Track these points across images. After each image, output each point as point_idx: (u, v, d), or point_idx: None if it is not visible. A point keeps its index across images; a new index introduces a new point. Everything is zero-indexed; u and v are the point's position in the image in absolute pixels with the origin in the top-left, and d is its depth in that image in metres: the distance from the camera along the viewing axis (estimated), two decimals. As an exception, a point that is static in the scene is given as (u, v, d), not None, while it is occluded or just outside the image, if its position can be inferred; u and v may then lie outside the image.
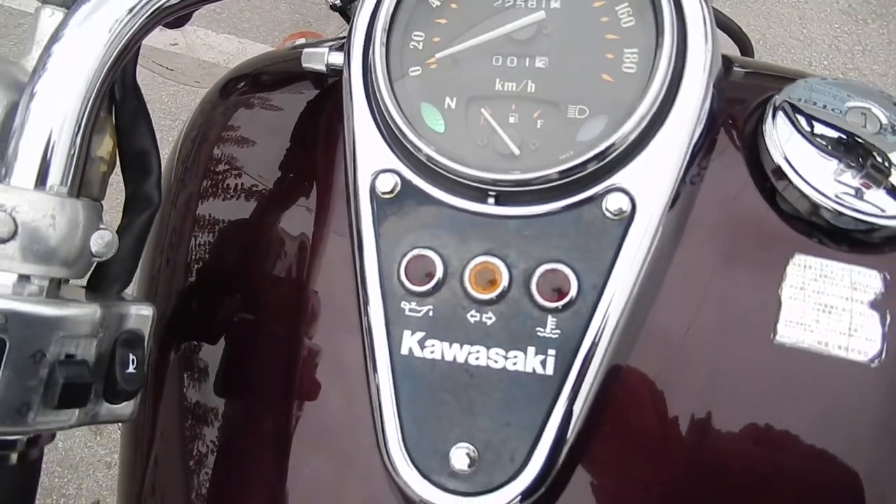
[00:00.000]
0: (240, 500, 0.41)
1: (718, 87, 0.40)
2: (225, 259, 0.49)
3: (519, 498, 0.33)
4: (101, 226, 0.34)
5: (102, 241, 0.33)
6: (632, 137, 0.34)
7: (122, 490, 0.50)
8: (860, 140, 0.40)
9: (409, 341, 0.35)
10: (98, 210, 0.35)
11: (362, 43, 0.39)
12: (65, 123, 0.33)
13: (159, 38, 2.27)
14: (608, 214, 0.34)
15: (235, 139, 0.53)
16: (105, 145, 0.38)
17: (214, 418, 0.44)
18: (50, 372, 0.31)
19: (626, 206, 0.34)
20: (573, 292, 0.34)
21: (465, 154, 0.36)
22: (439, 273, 0.35)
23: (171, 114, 2.13)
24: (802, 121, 0.41)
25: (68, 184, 0.33)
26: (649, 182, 0.34)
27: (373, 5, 0.40)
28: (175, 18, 0.49)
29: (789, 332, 0.37)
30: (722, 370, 0.37)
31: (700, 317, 0.38)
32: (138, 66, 0.41)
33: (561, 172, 0.34)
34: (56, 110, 0.33)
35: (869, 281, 0.38)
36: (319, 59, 0.43)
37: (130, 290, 0.40)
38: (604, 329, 0.34)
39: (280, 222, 0.47)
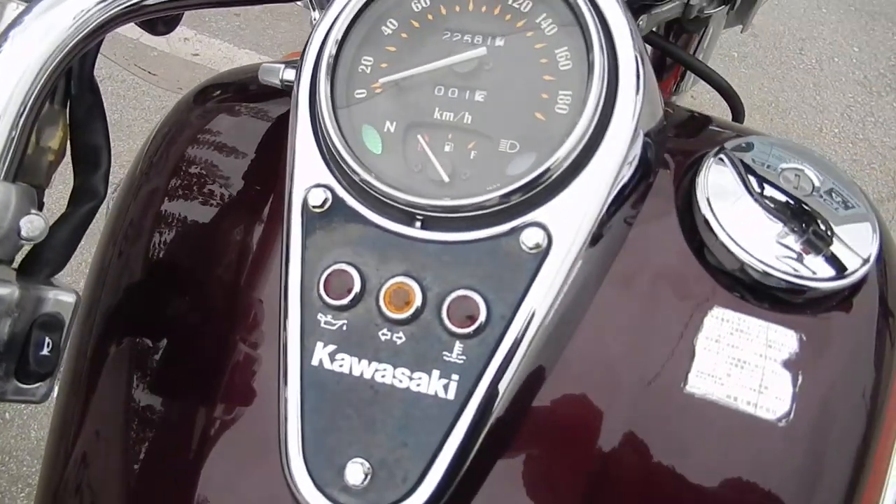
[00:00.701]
0: (147, 497, 0.42)
1: (655, 136, 0.41)
2: (173, 258, 0.50)
3: None
4: (33, 211, 0.35)
5: (32, 226, 0.35)
6: (555, 175, 0.35)
7: (42, 477, 0.51)
8: (807, 206, 0.40)
9: (321, 353, 0.36)
10: (32, 195, 0.36)
11: (313, 61, 0.41)
12: (7, 108, 0.34)
13: (181, 48, 2.33)
14: (524, 248, 0.35)
15: (203, 142, 0.55)
16: (56, 137, 0.39)
17: (142, 414, 0.45)
18: None
19: (543, 241, 0.35)
20: (482, 320, 0.34)
21: (397, 177, 0.37)
22: (356, 289, 0.36)
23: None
24: (747, 178, 0.41)
25: (3, 168, 0.34)
26: (568, 220, 0.35)
27: (327, 27, 0.41)
28: (162, 24, 0.51)
29: (700, 382, 0.37)
30: (629, 413, 0.37)
31: (613, 358, 0.38)
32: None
33: (485, 202, 0.35)
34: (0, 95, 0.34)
35: (785, 340, 0.39)
36: (275, 74, 0.45)
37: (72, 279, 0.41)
38: (510, 360, 0.34)
39: (229, 229, 0.48)
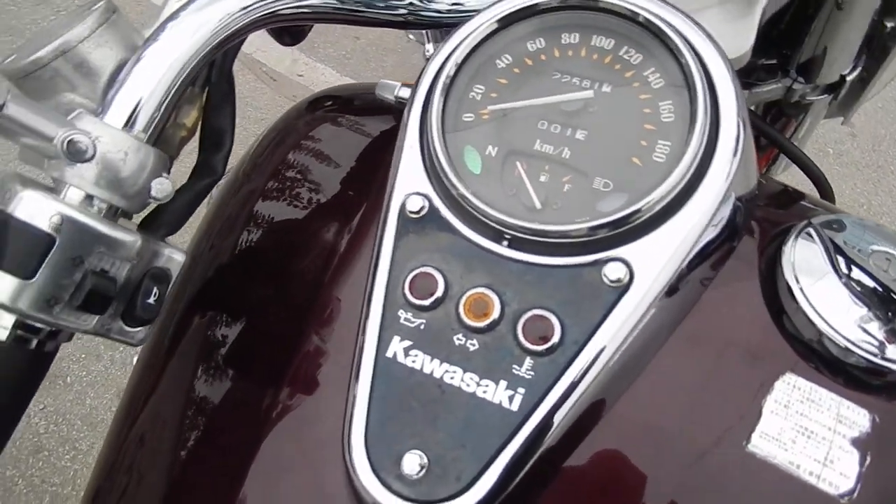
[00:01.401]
0: (204, 470, 0.44)
1: (746, 202, 0.42)
2: (261, 254, 0.54)
3: None
4: (164, 175, 0.39)
5: (161, 187, 0.39)
6: (644, 217, 0.37)
7: (109, 434, 0.54)
8: (894, 295, 0.40)
9: (396, 346, 0.38)
10: (165, 161, 0.40)
11: (429, 83, 0.44)
12: (158, 86, 0.39)
13: (289, 67, 2.46)
14: (606, 280, 0.36)
15: (306, 149, 0.59)
16: (191, 116, 0.44)
17: (211, 388, 0.48)
18: (83, 277, 0.36)
19: (625, 277, 0.36)
20: (555, 341, 0.36)
21: (492, 197, 0.39)
22: (439, 293, 0.38)
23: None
24: (835, 256, 0.42)
25: (147, 133, 0.38)
26: (651, 261, 0.37)
27: (446, 55, 0.44)
28: (289, 35, 0.56)
29: (763, 444, 0.37)
30: (684, 461, 0.37)
31: (677, 404, 0.39)
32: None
33: (573, 231, 0.37)
34: (154, 75, 0.39)
35: (857, 418, 0.38)
36: (390, 90, 0.48)
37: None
38: (577, 384, 0.35)
39: (319, 230, 0.52)
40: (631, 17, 0.41)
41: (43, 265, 0.35)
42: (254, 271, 0.53)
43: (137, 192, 0.38)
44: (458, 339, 0.37)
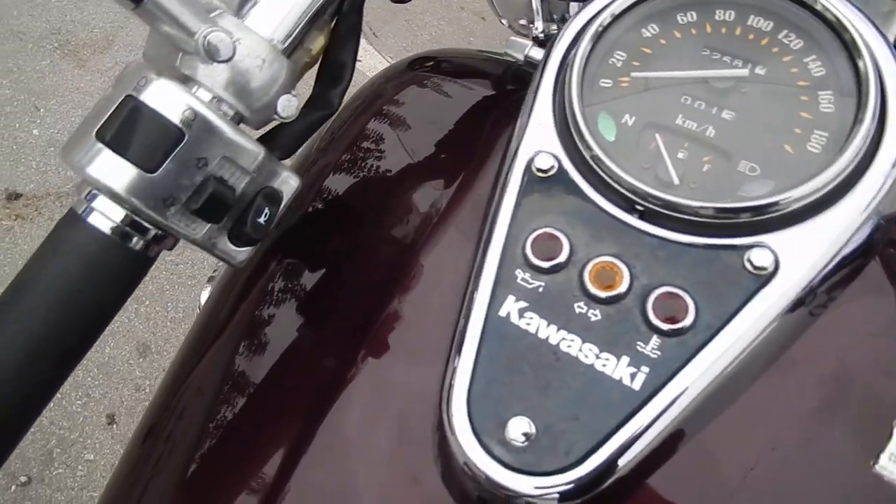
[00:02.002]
0: (274, 425, 0.42)
1: (888, 219, 0.39)
2: (357, 201, 0.52)
3: (557, 495, 0.32)
4: (292, 93, 0.37)
5: (287, 104, 0.37)
6: (791, 207, 0.34)
7: (168, 376, 0.52)
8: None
9: (510, 306, 0.35)
10: (294, 80, 0.38)
11: (569, 42, 0.42)
12: (297, 6, 0.37)
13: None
14: (749, 266, 0.34)
15: (400, 107, 0.58)
16: (318, 43, 0.42)
17: (286, 338, 0.45)
18: (203, 181, 0.34)
19: (770, 266, 0.34)
20: (687, 322, 0.33)
21: (626, 166, 0.37)
22: (562, 257, 0.36)
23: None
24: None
25: (284, 46, 0.36)
26: (800, 253, 0.34)
27: (587, 18, 0.42)
28: None
29: (892, 466, 0.35)
30: (804, 476, 0.35)
31: (804, 409, 0.36)
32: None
33: (717, 210, 0.34)
34: None
35: None
36: (520, 48, 0.46)
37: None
38: (707, 369, 0.33)
39: (418, 188, 0.50)
40: (807, 4, 0.38)
41: (168, 160, 0.33)
42: (343, 225, 0.51)
43: (264, 105, 0.36)
44: (578, 306, 0.35)
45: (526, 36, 0.79)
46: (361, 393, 0.41)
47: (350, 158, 0.54)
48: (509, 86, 0.59)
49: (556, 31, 0.53)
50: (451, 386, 0.35)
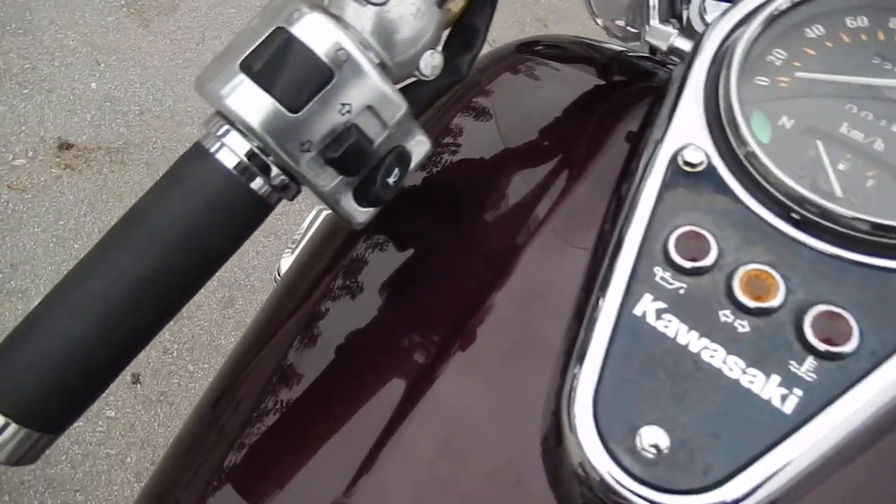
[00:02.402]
0: (360, 413, 0.39)
1: None
2: (458, 183, 0.49)
3: None
4: (437, 50, 0.35)
5: (431, 61, 0.34)
6: None
7: (247, 337, 0.50)
8: None
9: (647, 305, 0.33)
10: (440, 36, 0.36)
11: (723, 36, 0.39)
12: None
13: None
14: (922, 294, 0.31)
15: (506, 90, 0.55)
16: (455, 4, 0.39)
17: (372, 319, 0.43)
18: (345, 129, 0.31)
19: None
20: (849, 347, 0.30)
21: (784, 169, 0.34)
22: (709, 260, 0.33)
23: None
24: None
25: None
26: None
27: (746, 11, 0.39)
28: None
29: None
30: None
31: None
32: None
33: (891, 229, 0.31)
34: None
35: None
36: (664, 37, 0.44)
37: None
38: (868, 400, 0.29)
39: (524, 172, 0.47)
40: None
41: (313, 101, 0.30)
42: (442, 207, 0.48)
43: (408, 59, 0.34)
44: (724, 314, 0.32)
45: (620, 38, 0.76)
46: (454, 385, 0.38)
47: (453, 139, 0.52)
48: (618, 75, 0.57)
49: (676, 30, 0.50)
50: (574, 382, 0.32)
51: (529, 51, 0.59)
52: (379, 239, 0.47)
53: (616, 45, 0.65)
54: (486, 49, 0.47)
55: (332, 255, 0.48)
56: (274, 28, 0.30)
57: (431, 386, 0.38)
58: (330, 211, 0.55)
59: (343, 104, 0.31)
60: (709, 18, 0.71)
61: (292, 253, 0.66)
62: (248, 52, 0.30)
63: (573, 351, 0.33)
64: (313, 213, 0.73)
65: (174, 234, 0.31)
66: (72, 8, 2.15)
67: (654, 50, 0.63)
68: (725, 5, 0.66)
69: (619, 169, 0.44)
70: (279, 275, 0.73)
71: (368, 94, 0.32)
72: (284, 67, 0.30)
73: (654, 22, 0.71)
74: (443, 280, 0.43)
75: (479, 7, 0.41)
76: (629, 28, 0.87)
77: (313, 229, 0.62)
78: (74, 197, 1.79)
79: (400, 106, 0.33)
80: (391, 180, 0.34)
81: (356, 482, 0.36)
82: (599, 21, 0.94)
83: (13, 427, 0.30)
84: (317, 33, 0.31)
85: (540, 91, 0.54)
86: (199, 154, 0.32)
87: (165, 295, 0.31)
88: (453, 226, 0.46)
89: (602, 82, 0.55)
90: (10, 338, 0.31)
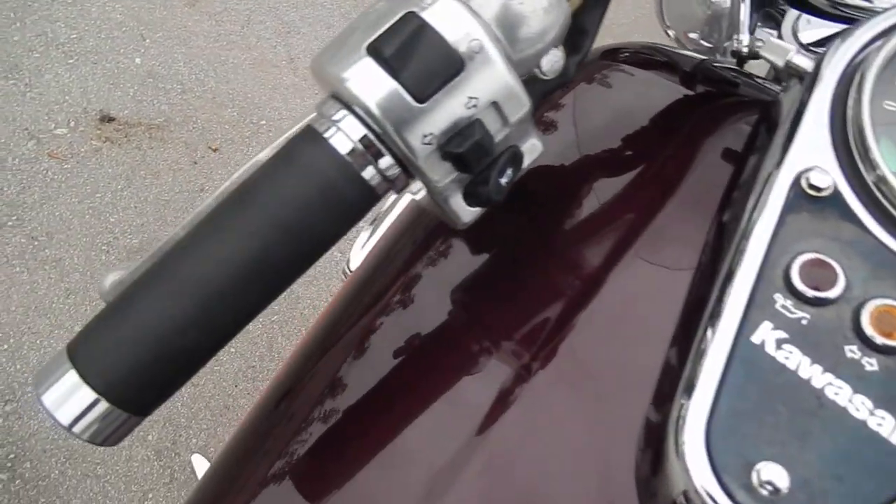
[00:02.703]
0: (433, 423, 0.38)
1: None
2: (543, 190, 0.48)
3: None
4: (560, 48, 0.33)
5: (553, 59, 0.33)
6: None
7: (317, 333, 0.48)
8: None
9: (766, 334, 0.31)
10: (564, 33, 0.34)
11: (850, 55, 0.37)
12: None
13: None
14: None
15: (594, 97, 0.54)
16: (575, 1, 0.38)
17: (451, 324, 0.41)
18: (470, 123, 0.30)
19: None
20: None
21: None
22: (836, 291, 0.31)
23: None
24: None
25: None
26: None
27: (876, 31, 0.38)
28: None
29: None
30: None
31: None
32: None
33: None
34: None
35: None
36: (781, 53, 0.42)
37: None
38: None
39: (614, 183, 0.46)
40: None
41: (440, 91, 0.29)
42: (526, 214, 0.47)
43: (532, 55, 0.32)
44: (850, 350, 0.30)
45: (692, 51, 0.74)
46: (537, 406, 0.37)
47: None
48: (706, 85, 0.55)
49: (759, 46, 0.49)
50: (682, 410, 0.30)
51: (615, 57, 0.57)
52: (462, 241, 0.45)
53: (699, 55, 0.64)
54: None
55: (414, 252, 0.47)
56: (404, 12, 0.29)
57: (513, 405, 0.37)
58: (409, 202, 0.53)
59: (470, 97, 0.30)
60: (802, 37, 0.69)
61: (362, 247, 0.65)
62: (375, 35, 0.29)
63: (677, 377, 0.32)
64: (388, 202, 0.70)
65: (282, 218, 0.29)
66: (121, -18, 2.17)
67: (740, 61, 0.61)
68: (820, 24, 0.64)
69: (716, 187, 0.43)
70: (349, 268, 0.72)
71: (496, 89, 0.30)
72: (415, 54, 0.28)
73: (770, 37, 0.69)
74: (529, 295, 0.42)
75: (590, 10, 0.39)
76: (703, 42, 0.85)
77: (388, 221, 0.60)
78: (112, 171, 1.80)
79: (524, 104, 0.32)
80: (504, 181, 0.32)
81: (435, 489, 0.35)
82: (671, 32, 0.92)
83: (104, 405, 0.29)
84: (450, 20, 0.29)
85: (627, 99, 0.53)
86: (310, 137, 0.30)
87: (268, 280, 0.30)
88: (539, 237, 0.45)
89: (691, 93, 0.54)
90: (110, 311, 0.30)
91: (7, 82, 1.86)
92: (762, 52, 0.43)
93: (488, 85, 0.30)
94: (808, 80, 0.38)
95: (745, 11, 0.66)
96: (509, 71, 0.30)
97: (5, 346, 1.51)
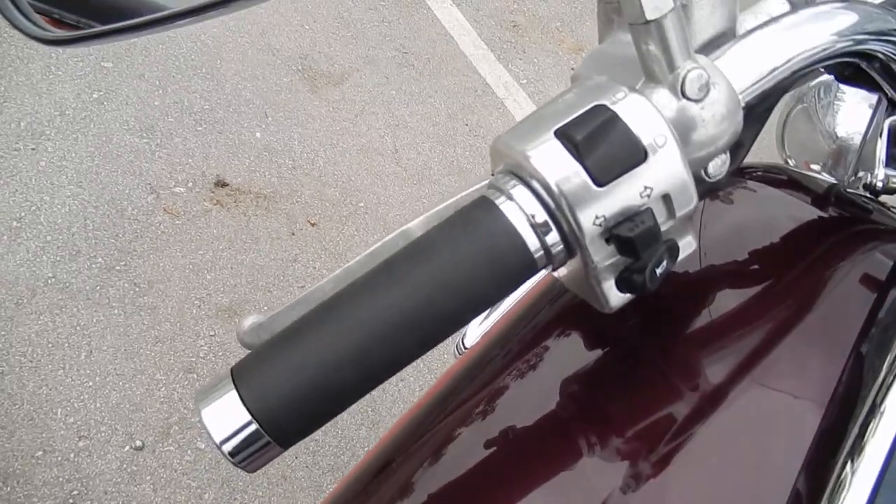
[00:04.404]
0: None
1: None
2: (670, 296, 0.48)
3: None
4: (727, 154, 0.34)
5: (721, 165, 0.34)
6: None
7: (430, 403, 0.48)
8: None
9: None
10: (734, 143, 0.35)
11: None
12: (775, 64, 0.35)
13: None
14: None
15: (723, 210, 0.54)
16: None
17: (564, 412, 0.41)
18: (641, 211, 0.31)
19: None
20: None
21: None
22: None
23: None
24: None
25: (745, 102, 0.34)
26: None
27: None
28: None
29: None
30: None
31: None
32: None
33: None
34: (779, 53, 0.35)
35: None
36: None
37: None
38: None
39: (736, 293, 0.46)
40: None
41: (620, 178, 0.30)
42: (644, 314, 0.47)
43: (703, 157, 0.33)
44: None
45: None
46: None
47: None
48: (839, 210, 0.54)
49: None
50: None
51: (744, 174, 0.58)
52: (583, 333, 0.45)
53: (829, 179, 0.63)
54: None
55: (533, 338, 0.47)
56: (595, 104, 0.31)
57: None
58: (532, 286, 0.54)
59: (646, 187, 0.31)
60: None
61: (479, 324, 0.66)
62: (565, 122, 0.31)
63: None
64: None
65: (449, 276, 0.31)
66: (255, 64, 2.37)
67: (875, 192, 0.60)
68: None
69: (854, 317, 0.41)
70: (464, 345, 0.73)
71: (671, 183, 0.31)
72: (603, 142, 0.30)
73: (879, 171, 0.68)
74: (642, 399, 0.41)
75: (750, 123, 0.40)
76: (826, 175, 0.85)
77: (506, 304, 0.61)
78: (217, 231, 1.90)
79: (692, 200, 0.33)
80: (659, 272, 0.33)
81: None
82: (791, 161, 0.92)
83: (253, 428, 0.30)
84: (638, 115, 0.31)
85: (756, 214, 0.53)
86: (485, 206, 0.32)
87: (425, 331, 0.31)
88: (661, 343, 0.44)
89: (824, 215, 0.53)
90: (275, 341, 0.32)
91: (141, 140, 2.03)
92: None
93: (664, 178, 0.31)
94: None
95: (881, 147, 0.66)
96: (685, 168, 0.32)
97: (90, 384, 1.56)
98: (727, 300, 0.46)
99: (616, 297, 0.35)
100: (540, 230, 0.32)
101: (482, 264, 0.31)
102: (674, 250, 0.34)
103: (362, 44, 2.60)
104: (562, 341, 0.46)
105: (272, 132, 2.19)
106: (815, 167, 0.85)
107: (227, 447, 0.31)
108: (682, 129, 0.33)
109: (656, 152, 0.31)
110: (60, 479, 1.42)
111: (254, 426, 0.30)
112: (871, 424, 0.31)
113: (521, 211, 0.31)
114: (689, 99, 0.32)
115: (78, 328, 1.64)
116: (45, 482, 1.41)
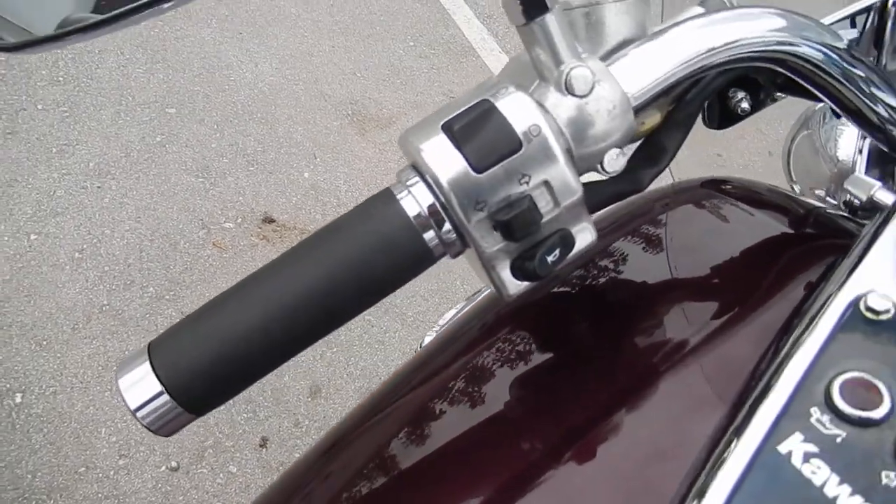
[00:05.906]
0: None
1: None
2: (613, 296, 0.49)
3: None
4: (623, 151, 0.36)
5: (615, 160, 0.36)
6: None
7: (376, 396, 0.51)
8: None
9: (795, 445, 0.29)
10: (628, 140, 0.37)
11: None
12: (666, 68, 0.37)
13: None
14: None
15: (684, 222, 0.55)
16: (652, 120, 0.41)
17: (494, 407, 0.43)
18: (519, 197, 0.33)
19: None
20: None
21: None
22: (879, 413, 0.29)
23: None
24: None
25: (636, 104, 0.36)
26: None
27: None
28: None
29: None
30: None
31: None
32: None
33: None
34: (670, 58, 0.37)
35: None
36: (866, 188, 0.42)
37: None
38: None
39: (681, 302, 0.46)
40: None
41: (497, 165, 0.33)
42: (591, 315, 0.48)
43: (594, 152, 0.36)
44: (887, 476, 0.28)
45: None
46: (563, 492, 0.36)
47: (620, 254, 0.52)
48: (809, 228, 0.54)
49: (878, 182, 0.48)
50: None
51: (715, 188, 0.59)
52: (526, 331, 0.47)
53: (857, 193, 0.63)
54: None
55: (478, 335, 0.49)
56: (480, 99, 0.34)
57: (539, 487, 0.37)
58: (487, 291, 0.56)
59: (523, 174, 0.33)
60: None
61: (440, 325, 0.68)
62: (452, 115, 0.34)
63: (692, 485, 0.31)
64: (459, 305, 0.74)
65: (348, 261, 0.34)
66: (308, 109, 2.49)
67: (853, 210, 0.60)
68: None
69: (778, 316, 0.42)
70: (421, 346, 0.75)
71: (548, 171, 0.34)
72: (479, 132, 0.33)
73: (863, 177, 0.68)
74: (574, 390, 0.42)
75: (672, 129, 0.42)
76: (828, 199, 0.84)
77: (462, 308, 0.64)
78: (262, 264, 1.98)
79: (575, 190, 0.35)
80: (550, 259, 0.35)
81: None
82: (797, 187, 0.92)
83: (165, 398, 0.33)
84: (517, 109, 0.34)
85: (719, 229, 0.53)
86: (387, 197, 0.35)
87: (326, 312, 0.34)
88: (604, 346, 0.46)
89: (790, 232, 0.53)
90: (189, 319, 0.35)
91: (197, 179, 2.16)
92: (846, 186, 0.43)
93: (541, 166, 0.34)
94: (886, 212, 0.38)
95: (861, 162, 0.66)
96: (562, 156, 0.34)
97: (134, 405, 1.64)
98: (676, 306, 0.47)
99: (513, 284, 0.37)
100: (433, 220, 0.34)
101: (379, 252, 0.34)
102: (567, 239, 0.36)
103: (411, 89, 2.71)
104: (509, 340, 0.48)
105: (320, 172, 2.29)
106: (820, 192, 0.84)
107: (141, 414, 0.34)
108: (572, 125, 0.35)
109: (531, 141, 0.33)
110: (100, 496, 1.49)
111: (164, 397, 0.34)
112: (762, 400, 0.32)
113: (415, 203, 0.34)
114: (574, 95, 0.34)
115: (126, 353, 1.73)
116: (86, 497, 1.48)
